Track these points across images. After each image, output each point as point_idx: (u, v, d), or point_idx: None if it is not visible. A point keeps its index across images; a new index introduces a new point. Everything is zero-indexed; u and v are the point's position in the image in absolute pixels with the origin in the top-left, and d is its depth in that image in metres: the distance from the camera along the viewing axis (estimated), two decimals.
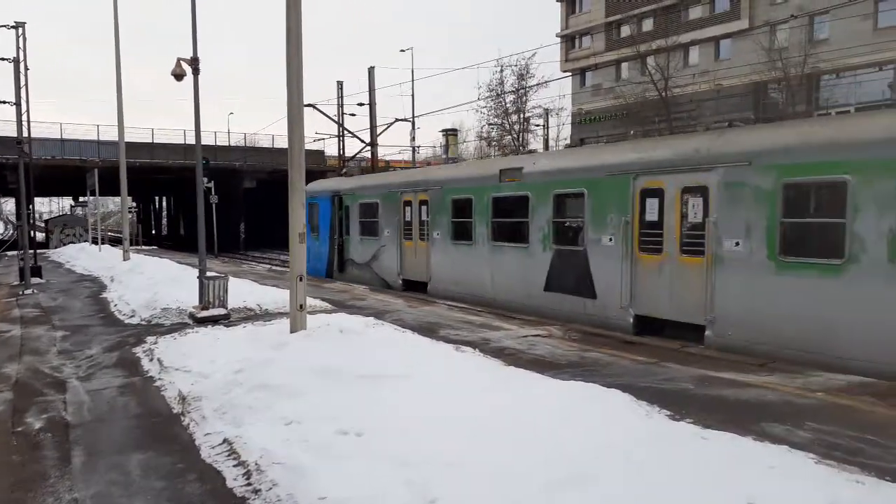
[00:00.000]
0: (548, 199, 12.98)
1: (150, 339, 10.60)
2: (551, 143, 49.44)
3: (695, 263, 10.42)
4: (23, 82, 21.28)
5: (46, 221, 60.39)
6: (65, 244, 44.41)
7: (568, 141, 50.61)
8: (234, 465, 5.36)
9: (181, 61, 12.28)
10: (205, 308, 12.33)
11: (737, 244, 9.82)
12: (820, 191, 9.28)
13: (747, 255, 9.69)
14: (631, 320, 11.45)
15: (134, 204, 77.48)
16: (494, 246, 14.42)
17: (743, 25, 40.79)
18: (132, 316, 13.02)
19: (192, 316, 12.31)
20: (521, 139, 50.97)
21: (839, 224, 8.65)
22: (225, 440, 5.85)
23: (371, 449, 5.42)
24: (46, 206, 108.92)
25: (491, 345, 10.16)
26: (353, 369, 7.50)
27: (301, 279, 9.28)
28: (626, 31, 47.60)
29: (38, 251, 26.86)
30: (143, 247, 45.36)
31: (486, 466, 4.92)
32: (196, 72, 11.95)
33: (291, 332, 9.29)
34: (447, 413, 6.27)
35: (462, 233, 15.44)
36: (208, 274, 12.85)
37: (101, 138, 49.43)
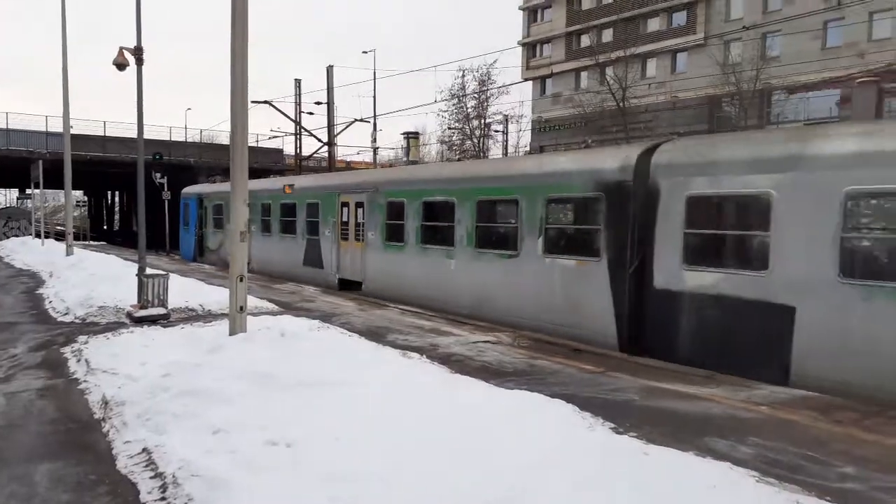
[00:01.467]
0: (303, 206, 20.12)
1: (81, 338, 10.07)
2: (511, 149, 49.61)
3: (358, 246, 17.41)
4: None
5: None
6: (9, 237, 42.72)
7: (528, 148, 50.86)
8: (151, 477, 5.00)
9: (124, 50, 11.77)
10: (143, 307, 11.82)
11: (372, 234, 16.82)
12: (393, 204, 16.25)
13: (376, 241, 16.68)
14: (336, 281, 18.48)
15: (85, 198, 75.21)
16: (283, 237, 21.45)
17: (699, 40, 41.58)
18: (66, 314, 12.42)
19: (129, 315, 11.79)
20: (481, 144, 51.04)
21: (451, 226, 14.08)
22: (144, 449, 5.48)
23: (300, 461, 5.13)
24: None
25: (439, 351, 9.94)
26: (291, 375, 7.19)
27: (241, 279, 8.92)
28: (586, 41, 48.13)
29: None
30: (92, 242, 43.90)
31: (419, 484, 4.68)
32: (140, 62, 11.45)
33: (230, 334, 8.91)
34: (385, 423, 6.02)
35: (267, 227, 22.34)
36: (148, 272, 12.34)
37: (50, 129, 47.75)
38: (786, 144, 9.15)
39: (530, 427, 5.95)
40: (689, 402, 7.41)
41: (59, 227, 47.81)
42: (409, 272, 15.29)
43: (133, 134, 51.73)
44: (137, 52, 11.49)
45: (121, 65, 11.99)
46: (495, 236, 12.86)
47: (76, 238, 46.16)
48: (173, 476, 4.84)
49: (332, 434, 5.69)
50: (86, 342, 9.69)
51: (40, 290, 16.24)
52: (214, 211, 25.72)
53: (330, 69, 31.62)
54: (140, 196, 12.14)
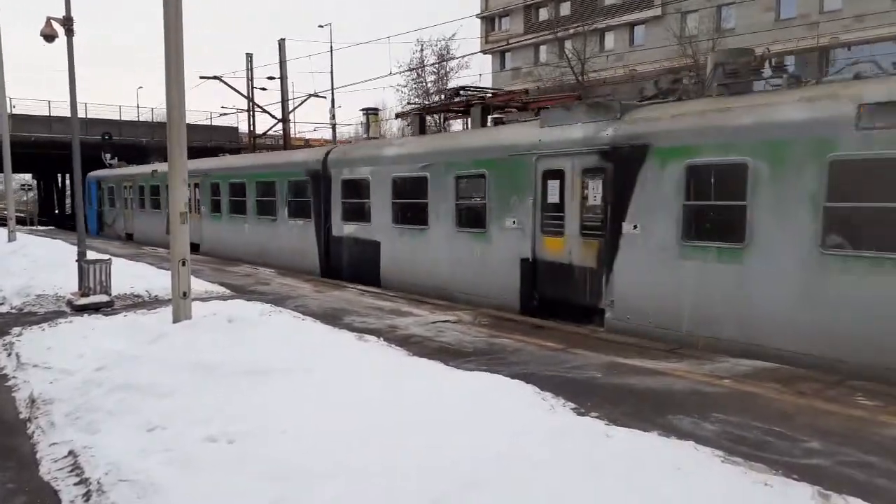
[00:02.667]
0: (164, 187, 23.49)
1: (15, 329, 9.47)
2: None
3: (196, 218, 21.91)
4: None
5: None
6: None
7: (490, 123, 50.30)
8: (76, 484, 4.59)
9: (52, 21, 11.00)
10: (84, 294, 11.22)
11: (204, 208, 22.41)
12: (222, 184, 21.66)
13: (207, 213, 22.19)
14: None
15: (33, 182, 72.41)
16: (154, 212, 26.25)
17: (656, 13, 41.48)
18: (1, 304, 11.73)
19: (69, 303, 11.18)
20: (442, 120, 50.36)
21: (244, 201, 20.10)
22: (71, 452, 5.05)
23: (241, 459, 4.77)
24: None
25: (397, 332, 9.61)
26: (236, 364, 6.80)
27: (184, 263, 8.45)
28: (544, 14, 47.67)
29: None
30: (39, 227, 42.30)
31: (369, 478, 4.36)
32: (69, 33, 10.70)
33: (174, 322, 8.46)
34: (336, 413, 5.69)
35: (154, 204, 26.51)
36: (90, 257, 11.72)
37: None
38: (377, 148, 15.64)
39: (488, 411, 5.68)
40: (651, 378, 7.23)
41: (4, 212, 45.96)
42: (224, 235, 21.32)
43: (82, 113, 49.89)
44: (67, 22, 10.72)
45: (49, 36, 11.20)
46: (268, 206, 18.94)
47: (23, 223, 44.59)
48: (98, 482, 4.44)
49: (279, 427, 5.34)
50: (19, 334, 9.10)
51: None
52: (108, 192, 32.01)
53: (282, 42, 30.69)
54: (77, 176, 11.46)
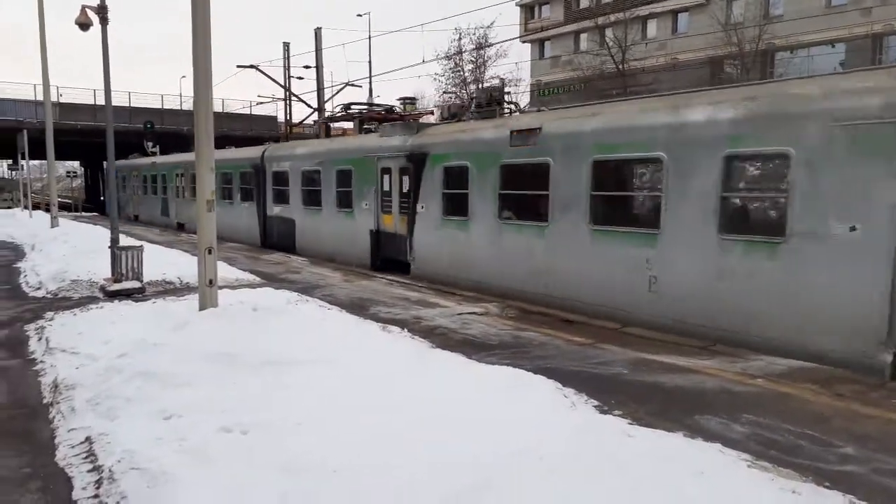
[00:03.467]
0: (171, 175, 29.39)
1: (48, 314, 9.64)
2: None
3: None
4: None
5: None
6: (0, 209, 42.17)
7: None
8: (90, 471, 4.59)
9: (87, 9, 11.11)
10: (117, 280, 11.39)
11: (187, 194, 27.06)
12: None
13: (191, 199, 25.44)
14: (176, 223, 28.15)
15: (81, 169, 74.26)
16: (152, 196, 32.07)
17: (700, 0, 40.38)
18: (38, 288, 11.97)
19: (102, 289, 11.36)
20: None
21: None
22: (87, 438, 5.07)
23: (254, 450, 4.71)
24: None
25: (422, 323, 9.52)
26: (257, 354, 6.77)
27: (210, 252, 8.45)
28: (584, 2, 46.84)
29: None
30: (84, 213, 43.30)
31: (380, 475, 4.26)
32: (104, 21, 10.80)
33: (200, 310, 8.47)
34: (354, 405, 5.61)
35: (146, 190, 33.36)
36: (123, 243, 11.88)
37: (40, 98, 46.73)
38: (292, 148, 19.93)
39: (507, 407, 5.54)
40: (680, 376, 6.99)
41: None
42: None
43: (125, 102, 50.76)
44: (101, 10, 10.83)
45: (84, 24, 11.31)
46: (227, 192, 22.85)
47: (69, 209, 45.71)
48: (110, 470, 4.43)
49: (294, 419, 5.28)
50: (51, 319, 9.25)
51: (18, 264, 15.78)
52: (122, 180, 36.69)
53: (318, 31, 30.69)
54: (110, 164, 11.62)
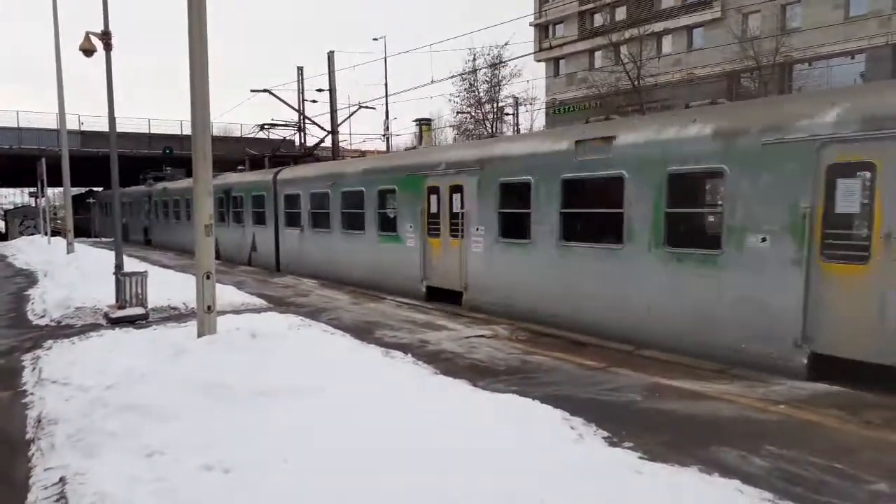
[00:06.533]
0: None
1: (47, 343, 9.45)
2: (524, 132, 48.38)
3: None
4: None
5: (5, 213, 58.30)
6: (24, 236, 42.65)
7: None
8: None
9: (90, 35, 11.06)
10: (121, 307, 11.21)
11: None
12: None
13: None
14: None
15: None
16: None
17: (715, 14, 40.05)
18: (42, 316, 11.82)
19: (106, 316, 11.18)
20: (494, 128, 49.85)
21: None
22: (62, 479, 4.78)
23: (235, 492, 4.41)
24: (17, 198, 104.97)
25: (428, 348, 9.20)
26: (250, 384, 6.48)
27: (208, 277, 8.22)
28: (599, 19, 46.72)
29: None
30: (103, 238, 43.64)
31: None
32: (108, 47, 10.73)
33: (198, 336, 8.23)
34: (346, 439, 5.29)
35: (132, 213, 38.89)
36: (127, 269, 11.72)
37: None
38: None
39: (511, 442, 5.19)
40: (696, 403, 6.59)
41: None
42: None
43: (145, 128, 51.22)
44: (105, 36, 10.77)
45: (87, 50, 11.27)
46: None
47: (89, 235, 46.06)
48: None
49: (281, 455, 4.97)
50: (49, 348, 9.05)
51: (30, 291, 15.70)
52: (133, 205, 39.23)
53: (331, 54, 30.75)
54: (115, 191, 11.50)
